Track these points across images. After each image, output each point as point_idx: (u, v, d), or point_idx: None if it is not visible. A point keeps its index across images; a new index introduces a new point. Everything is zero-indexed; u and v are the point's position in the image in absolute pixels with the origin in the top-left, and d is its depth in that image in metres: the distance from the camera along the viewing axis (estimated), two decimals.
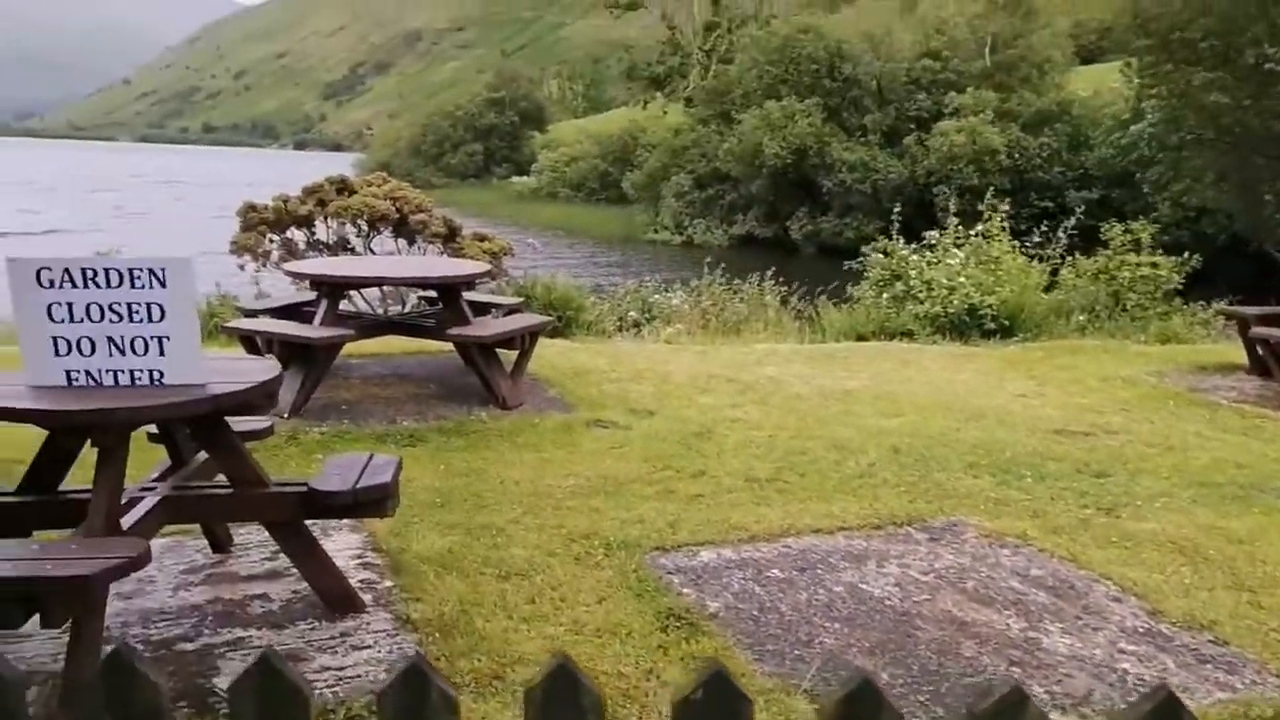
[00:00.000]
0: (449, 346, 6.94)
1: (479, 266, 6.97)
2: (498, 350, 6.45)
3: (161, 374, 3.00)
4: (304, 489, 3.14)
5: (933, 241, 11.53)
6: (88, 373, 2.99)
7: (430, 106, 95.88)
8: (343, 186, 9.22)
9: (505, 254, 9.54)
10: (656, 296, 12.21)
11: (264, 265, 9.09)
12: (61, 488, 3.17)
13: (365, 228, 9.18)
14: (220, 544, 3.84)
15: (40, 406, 2.82)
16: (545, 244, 32.99)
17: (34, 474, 3.11)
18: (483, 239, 9.53)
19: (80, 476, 3.24)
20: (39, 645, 3.11)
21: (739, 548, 4.20)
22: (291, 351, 5.92)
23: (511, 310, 7.38)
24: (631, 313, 11.21)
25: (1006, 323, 10.16)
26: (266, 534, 3.72)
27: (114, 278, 2.92)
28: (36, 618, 2.53)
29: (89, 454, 3.06)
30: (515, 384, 6.50)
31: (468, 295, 6.94)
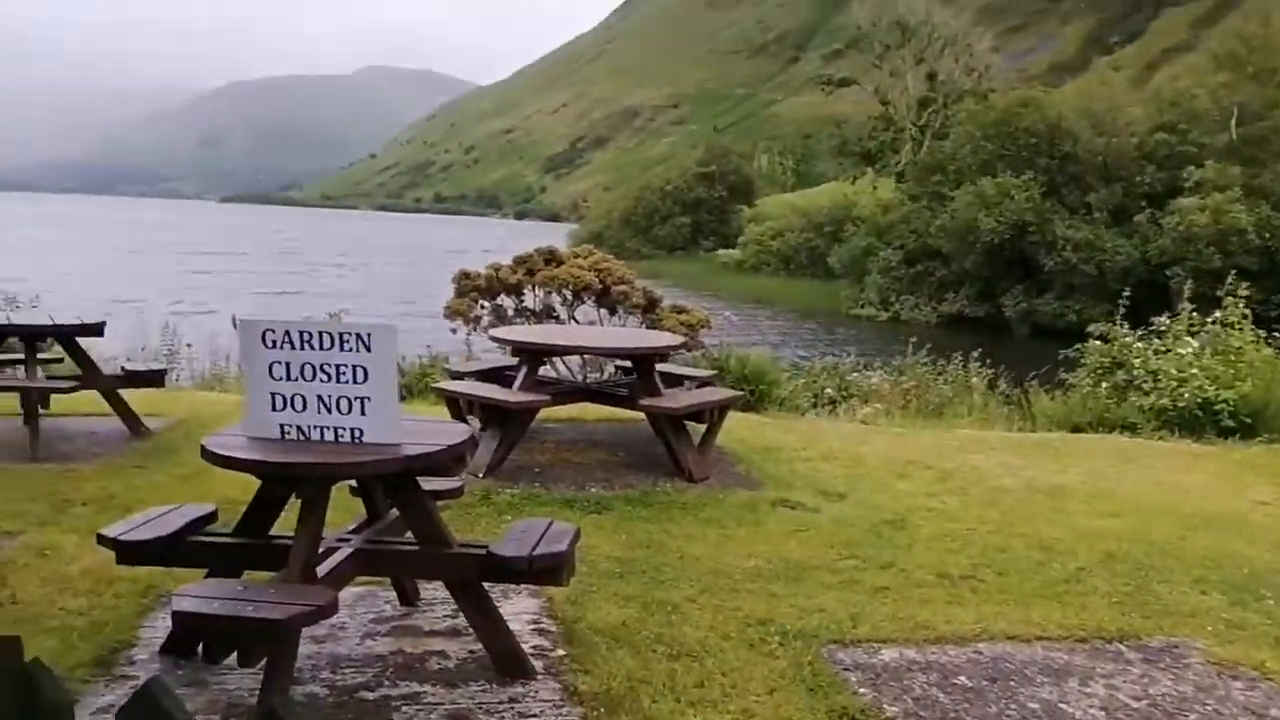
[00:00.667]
0: (641, 415, 7.03)
1: (673, 339, 7.06)
2: (687, 422, 6.46)
3: (361, 432, 3.19)
4: (483, 552, 3.22)
5: (1162, 328, 10.66)
6: (298, 427, 3.22)
7: (643, 180, 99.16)
8: (550, 257, 9.65)
9: (702, 326, 9.62)
10: (855, 374, 11.92)
11: (474, 329, 9.59)
12: (271, 533, 3.40)
13: (570, 297, 9.53)
14: (408, 597, 3.99)
15: (253, 457, 3.06)
16: (745, 317, 33.12)
17: (247, 519, 3.36)
18: (681, 311, 9.67)
19: (287, 523, 3.47)
20: (239, 679, 3.32)
21: (924, 649, 3.95)
22: (490, 413, 6.16)
23: (704, 383, 7.39)
24: (828, 389, 10.98)
25: (1248, 420, 9.19)
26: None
27: (325, 340, 3.15)
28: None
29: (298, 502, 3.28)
30: (702, 457, 6.48)
31: (661, 366, 7.02)
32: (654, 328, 9.36)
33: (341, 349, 3.13)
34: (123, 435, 6.92)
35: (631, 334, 7.89)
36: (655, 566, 4.71)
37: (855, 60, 78.91)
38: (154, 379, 7.19)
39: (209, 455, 3.12)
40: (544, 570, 3.19)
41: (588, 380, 8.91)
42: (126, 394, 7.01)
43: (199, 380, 9.67)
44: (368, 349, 3.12)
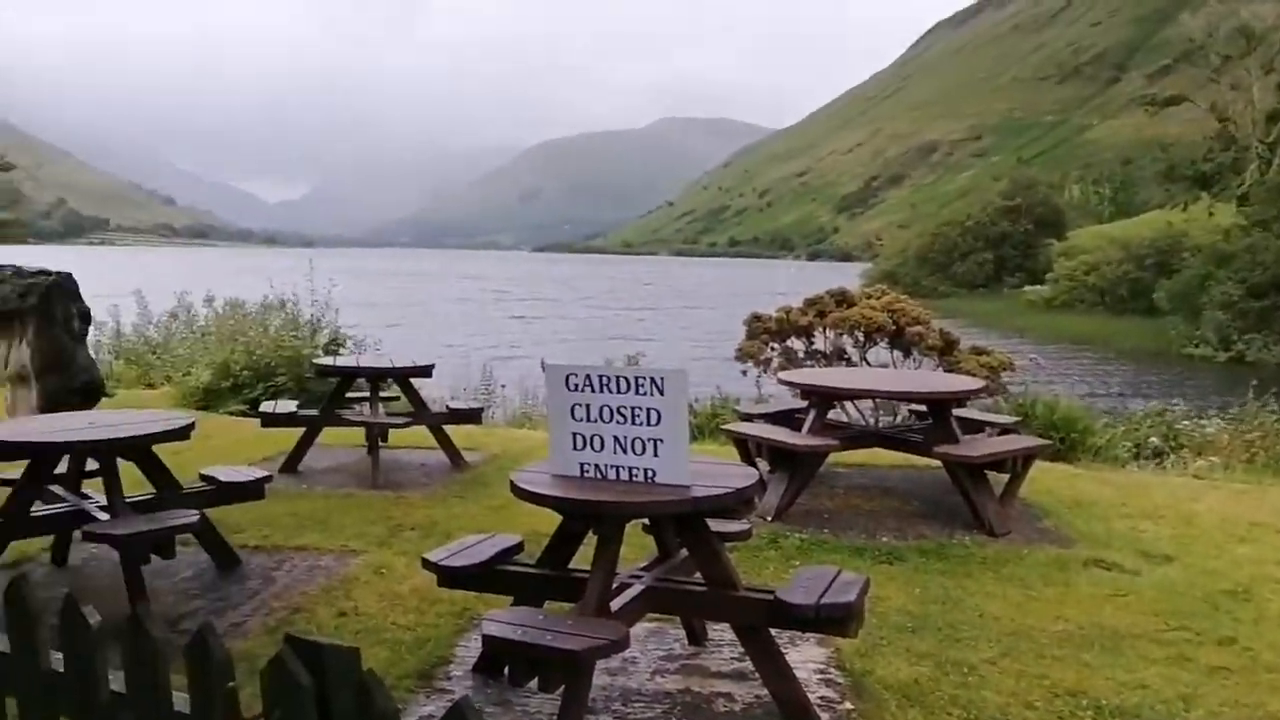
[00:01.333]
0: (937, 463, 6.73)
1: (972, 382, 6.72)
2: (988, 472, 6.11)
3: (654, 473, 3.31)
4: (770, 597, 3.22)
5: None
6: (596, 466, 3.40)
7: (941, 216, 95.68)
8: (842, 298, 9.54)
9: (1004, 369, 9.08)
10: (1186, 422, 10.70)
11: (764, 371, 9.67)
12: (570, 566, 3.60)
13: (862, 338, 9.36)
14: (696, 636, 4.06)
15: (555, 493, 3.27)
16: (1054, 358, 30.80)
17: (549, 552, 3.59)
18: (981, 353, 9.19)
19: (586, 557, 3.67)
20: (540, 703, 3.53)
21: None
22: (779, 456, 6.17)
23: (1006, 430, 6.96)
24: (1152, 439, 9.94)
25: None
26: None
27: (622, 384, 3.31)
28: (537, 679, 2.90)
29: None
30: (1004, 510, 6.09)
31: (958, 412, 6.70)
32: (951, 370, 8.96)
33: (637, 392, 3.28)
34: (446, 467, 7.64)
35: (926, 377, 7.60)
36: (951, 623, 4.47)
37: (1186, 76, 71.86)
38: (473, 416, 7.88)
39: (517, 490, 3.37)
40: (831, 620, 3.14)
41: (879, 424, 8.67)
42: (449, 429, 7.74)
43: (511, 418, 10.48)
44: (661, 392, 3.25)
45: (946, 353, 9.16)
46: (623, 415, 3.32)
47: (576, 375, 3.39)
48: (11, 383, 9.30)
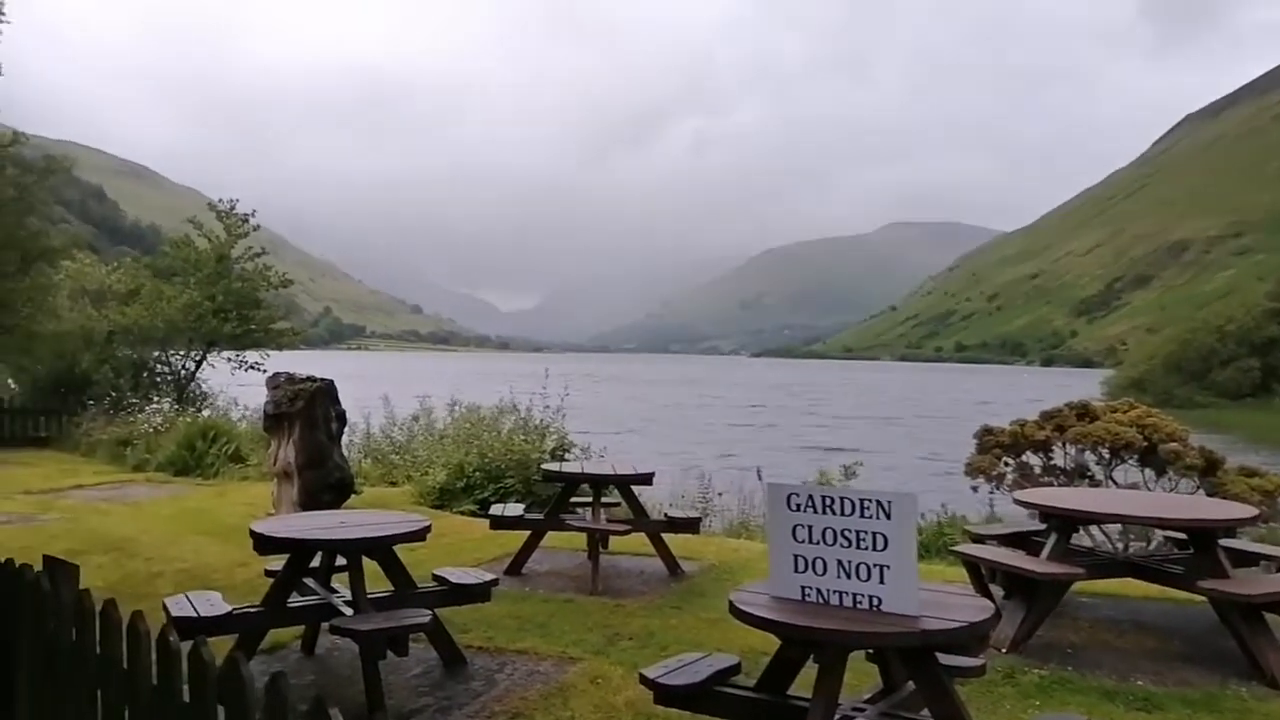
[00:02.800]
0: (1202, 599, 6.03)
1: (1242, 510, 6.01)
2: (1266, 614, 5.40)
3: (880, 600, 3.16)
4: None
5: None
6: (819, 590, 3.29)
7: (1195, 320, 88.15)
8: (1084, 412, 8.89)
9: None
10: None
11: (997, 488, 9.11)
12: (789, 692, 3.47)
13: (1106, 455, 8.65)
14: None
15: (776, 618, 3.18)
16: None
17: (768, 676, 3.48)
18: (1251, 474, 8.23)
19: (805, 681, 3.52)
20: None
21: None
22: (1015, 582, 5.74)
23: None
24: None
25: None
26: None
27: (847, 506, 3.21)
28: None
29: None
30: None
31: (1226, 542, 6.00)
32: (1214, 493, 8.07)
33: (862, 515, 3.17)
34: (663, 575, 7.64)
35: (1186, 501, 6.88)
36: None
37: None
38: (690, 526, 7.88)
39: (737, 612, 3.31)
40: None
41: (1129, 552, 7.91)
42: (667, 537, 7.76)
43: (728, 527, 10.39)
44: (888, 516, 3.13)
45: (1208, 473, 8.28)
46: (847, 539, 3.21)
47: (799, 495, 3.32)
48: (278, 477, 10.26)
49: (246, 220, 21.52)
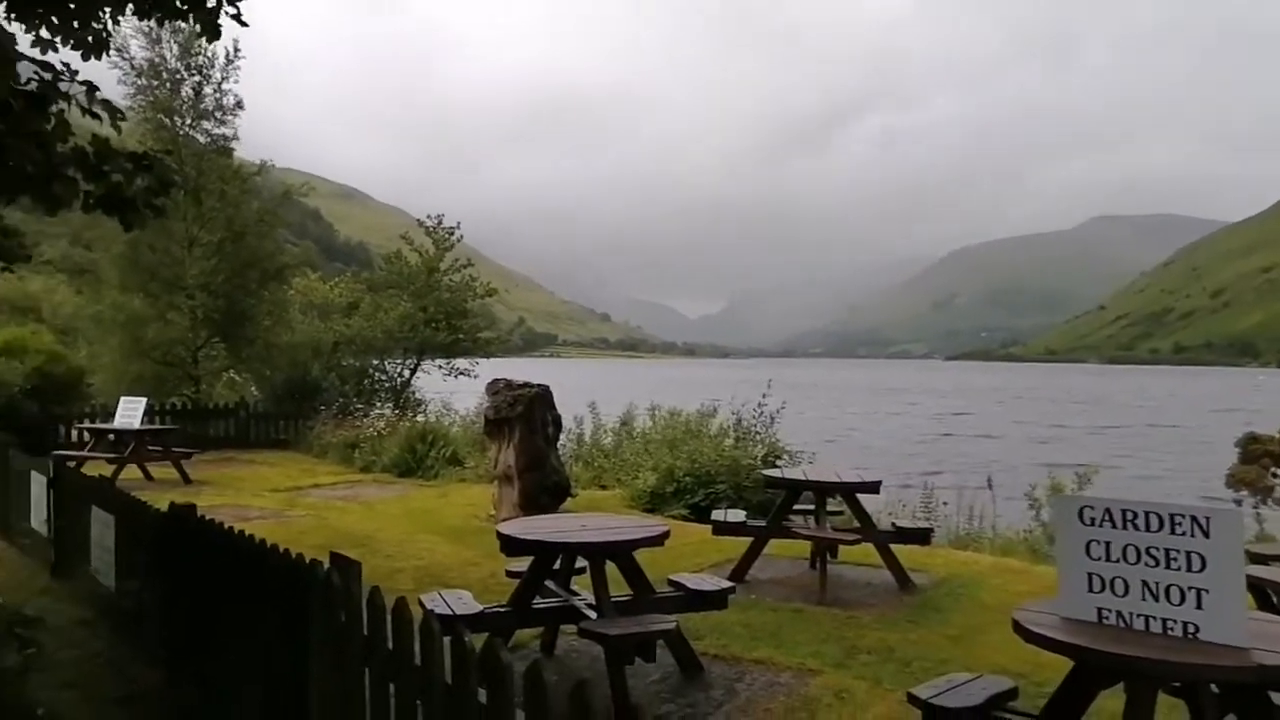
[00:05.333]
0: None
1: None
2: None
3: (1196, 628, 2.86)
4: None
5: None
6: (1118, 613, 3.01)
7: None
8: None
9: None
10: None
11: (1264, 502, 8.25)
12: None
13: None
14: None
15: (1074, 641, 2.92)
16: None
17: (1057, 705, 3.21)
18: None
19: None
20: None
21: None
22: None
23: None
24: None
25: None
26: None
27: (1154, 522, 2.93)
28: None
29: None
30: None
31: None
32: None
33: (1173, 532, 2.88)
34: (892, 587, 7.35)
35: None
36: None
37: None
38: (921, 537, 7.56)
39: (1021, 630, 3.08)
40: None
41: None
42: (895, 548, 7.47)
43: (954, 539, 9.92)
44: (1205, 535, 2.82)
45: None
46: (1153, 557, 2.92)
47: (1093, 508, 3.06)
48: (499, 480, 10.64)
49: (452, 233, 22.63)
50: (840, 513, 8.09)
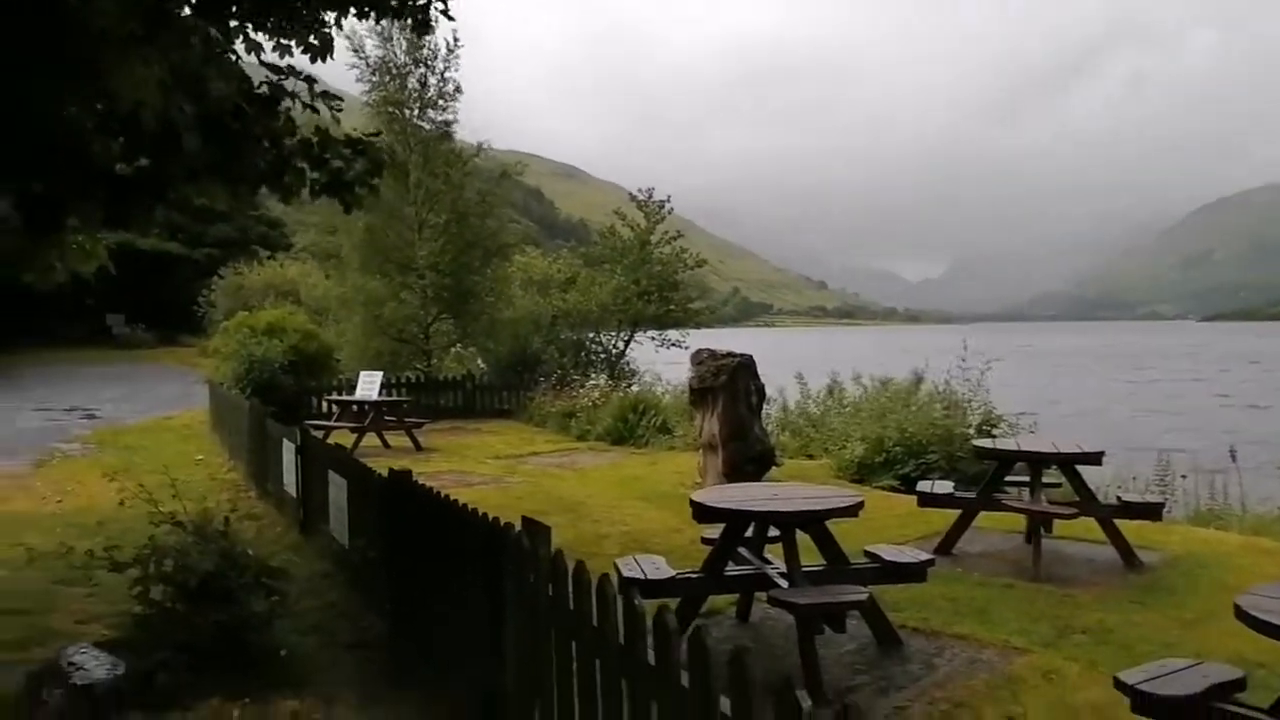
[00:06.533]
0: None
1: None
2: None
3: None
4: None
5: None
6: None
7: None
8: None
9: None
10: None
11: None
12: None
13: None
14: None
15: None
16: None
17: None
18: None
19: None
20: None
21: None
22: None
23: None
24: None
25: None
26: None
27: None
28: None
29: None
30: None
31: None
32: None
33: None
34: (1116, 565, 6.85)
35: None
36: None
37: None
38: (1151, 512, 6.98)
39: (1245, 616, 2.79)
40: None
41: None
42: (1121, 524, 6.94)
43: (1193, 515, 9.09)
44: None
45: None
46: None
47: None
48: (704, 449, 10.75)
49: (663, 206, 22.91)
50: (1059, 485, 7.60)
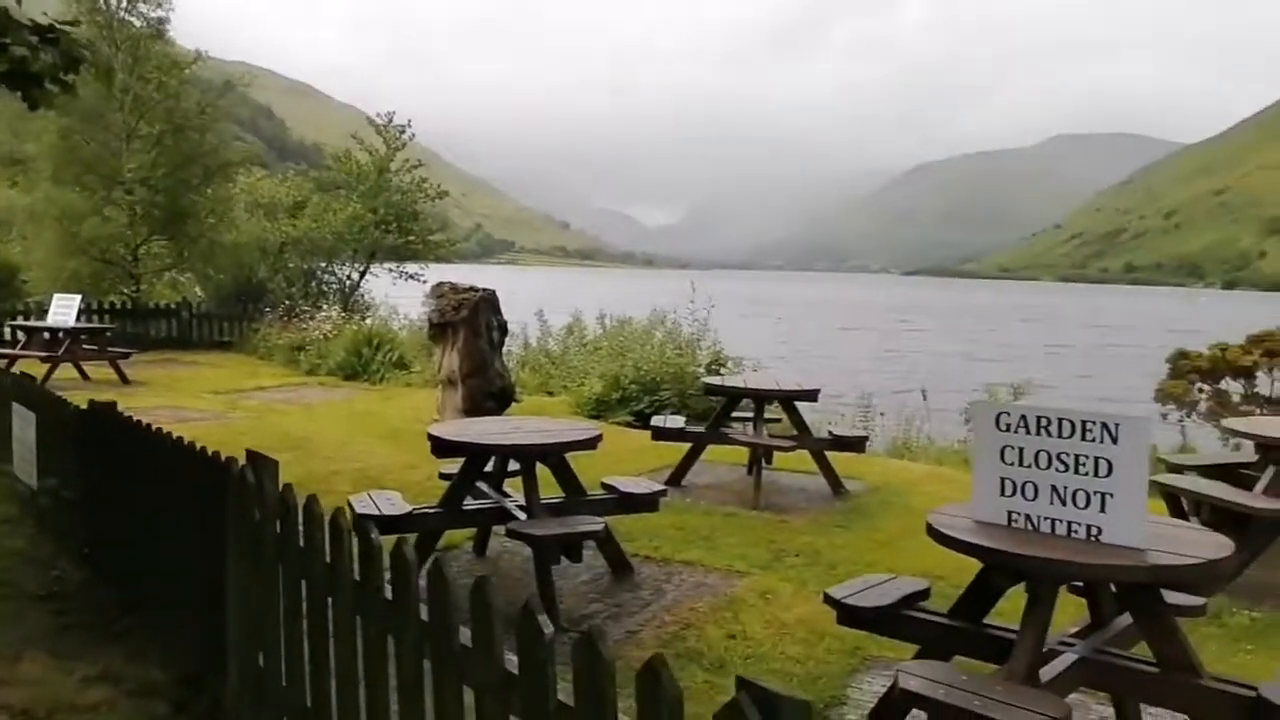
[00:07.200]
0: None
1: None
2: None
3: (1099, 530, 2.91)
4: (1251, 694, 2.68)
5: None
6: (1027, 516, 3.06)
7: None
8: None
9: None
10: None
11: (1188, 415, 8.47)
12: (985, 621, 3.27)
13: None
14: (1128, 718, 3.53)
15: (980, 542, 2.97)
16: None
17: (964, 603, 3.29)
18: None
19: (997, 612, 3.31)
20: None
21: None
22: (1223, 517, 5.28)
23: None
24: None
25: None
26: None
27: (1066, 428, 2.95)
28: None
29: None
30: None
31: None
32: None
33: (1083, 438, 2.91)
34: (826, 494, 7.48)
35: None
36: None
37: None
38: (856, 445, 7.66)
39: (934, 533, 3.12)
40: None
41: None
42: (831, 456, 7.57)
43: (890, 448, 10.10)
44: (1114, 441, 2.85)
45: None
46: (1064, 463, 2.95)
47: (1009, 415, 3.07)
48: (442, 385, 10.57)
49: (404, 132, 22.00)
50: (779, 420, 8.16)
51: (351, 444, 9.19)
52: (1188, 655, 2.85)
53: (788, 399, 7.57)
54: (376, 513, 4.72)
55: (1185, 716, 3.05)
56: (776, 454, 7.75)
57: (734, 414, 7.97)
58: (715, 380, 8.12)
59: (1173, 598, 3.24)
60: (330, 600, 2.88)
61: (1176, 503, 5.70)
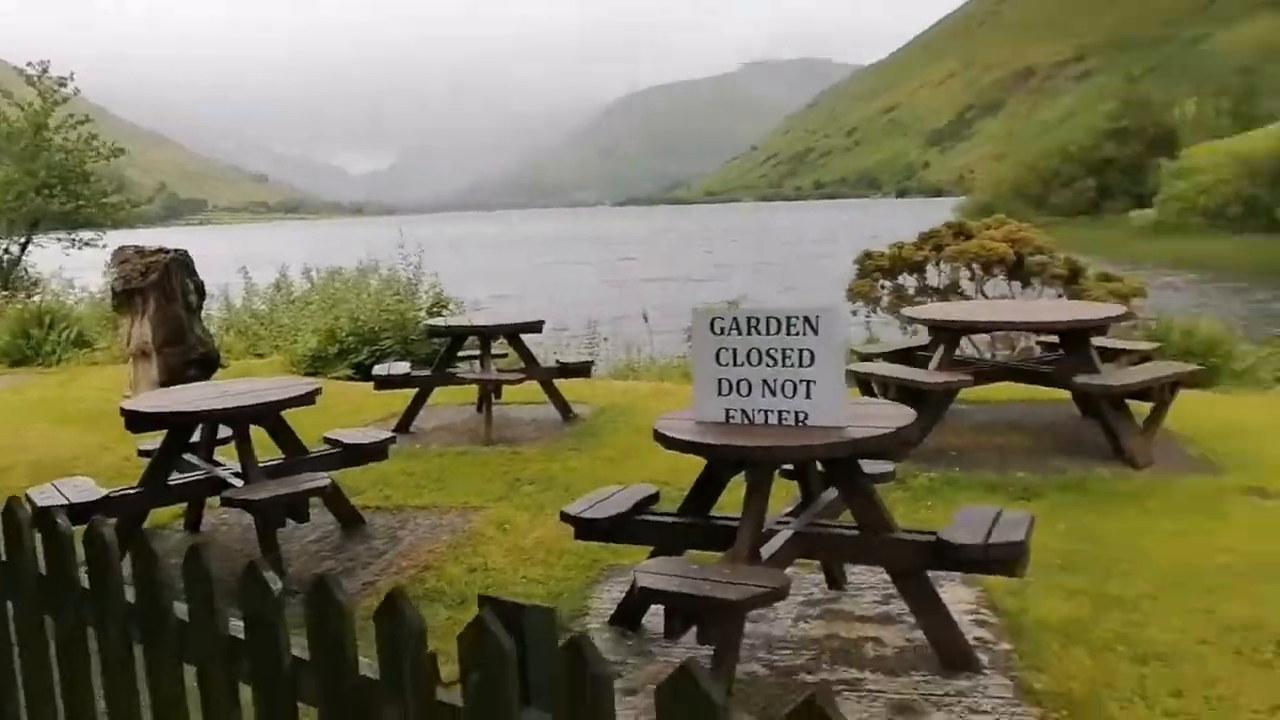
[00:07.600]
0: (1061, 394, 6.39)
1: (1113, 309, 6.34)
2: (1128, 402, 5.77)
3: (805, 415, 3.15)
4: (932, 539, 3.04)
5: None
6: (743, 411, 3.25)
7: (1039, 145, 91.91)
8: (960, 231, 9.14)
9: (1136, 295, 8.58)
10: None
11: (874, 310, 9.37)
12: (712, 513, 3.48)
13: (978, 271, 8.96)
14: (836, 581, 3.90)
15: (703, 440, 3.14)
16: (1168, 285, 29.22)
17: (692, 500, 3.47)
18: (1109, 279, 8.70)
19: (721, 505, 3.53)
20: (683, 654, 3.41)
21: None
22: (905, 394, 5.92)
23: (1145, 357, 6.55)
24: None
25: None
26: (879, 575, 3.70)
27: (772, 325, 3.15)
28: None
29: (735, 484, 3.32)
30: (1146, 440, 5.74)
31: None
32: (1076, 299, 8.50)
33: (788, 333, 3.12)
34: (556, 421, 7.59)
35: (1061, 306, 7.22)
36: (1102, 559, 4.24)
37: None
38: (582, 370, 7.82)
39: (660, 438, 3.24)
40: (1000, 561, 2.95)
41: (997, 358, 8.30)
42: (559, 384, 7.68)
43: (614, 371, 10.41)
44: (815, 331, 3.08)
45: (1071, 281, 8.70)
46: (772, 358, 3.16)
47: (723, 319, 3.24)
48: (134, 357, 9.61)
49: (64, 84, 19.50)
50: (505, 355, 8.15)
51: (24, 434, 8.18)
52: (883, 516, 3.18)
53: (513, 333, 7.57)
54: (64, 502, 4.23)
55: (883, 568, 3.41)
56: (506, 388, 7.75)
57: (460, 354, 7.87)
58: (438, 321, 7.96)
59: (869, 468, 3.59)
60: (9, 605, 2.56)
61: (868, 387, 6.31)
